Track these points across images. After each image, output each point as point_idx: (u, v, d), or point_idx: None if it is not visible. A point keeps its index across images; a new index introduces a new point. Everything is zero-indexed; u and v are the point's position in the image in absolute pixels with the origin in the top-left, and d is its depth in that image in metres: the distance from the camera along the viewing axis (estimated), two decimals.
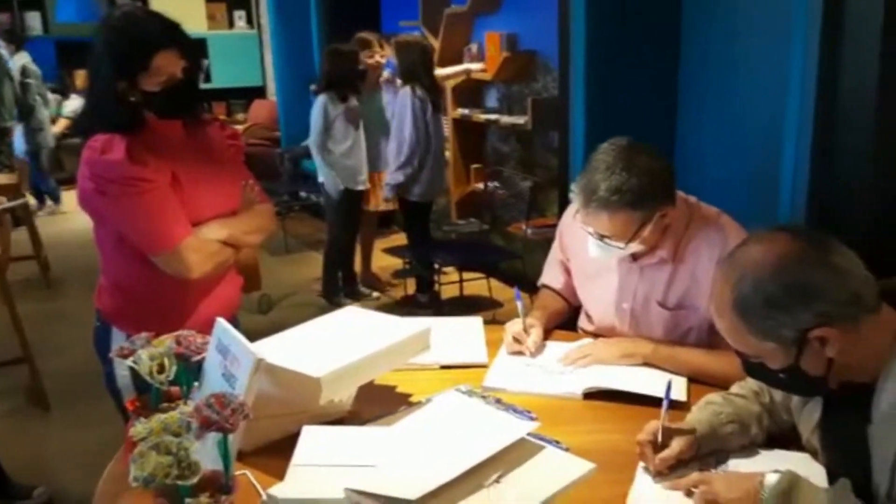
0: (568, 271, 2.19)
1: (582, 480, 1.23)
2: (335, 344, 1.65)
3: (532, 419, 1.66)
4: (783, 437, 1.54)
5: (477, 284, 5.03)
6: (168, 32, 1.89)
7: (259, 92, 9.36)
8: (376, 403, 1.72)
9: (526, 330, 2.00)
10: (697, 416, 1.51)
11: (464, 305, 4.91)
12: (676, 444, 1.43)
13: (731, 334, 1.30)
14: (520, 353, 1.98)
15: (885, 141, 2.64)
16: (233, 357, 1.43)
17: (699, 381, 1.81)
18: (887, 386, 1.19)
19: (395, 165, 4.66)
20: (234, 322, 2.14)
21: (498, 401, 1.75)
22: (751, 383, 1.59)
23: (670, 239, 1.88)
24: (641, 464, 1.47)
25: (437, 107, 4.58)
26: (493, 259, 4.92)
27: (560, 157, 4.17)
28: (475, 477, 1.19)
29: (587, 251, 1.94)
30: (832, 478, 1.36)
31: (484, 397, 1.77)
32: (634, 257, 1.94)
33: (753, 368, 1.33)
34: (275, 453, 1.51)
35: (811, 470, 1.40)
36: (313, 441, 1.38)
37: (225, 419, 1.22)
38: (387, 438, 1.40)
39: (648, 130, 3.57)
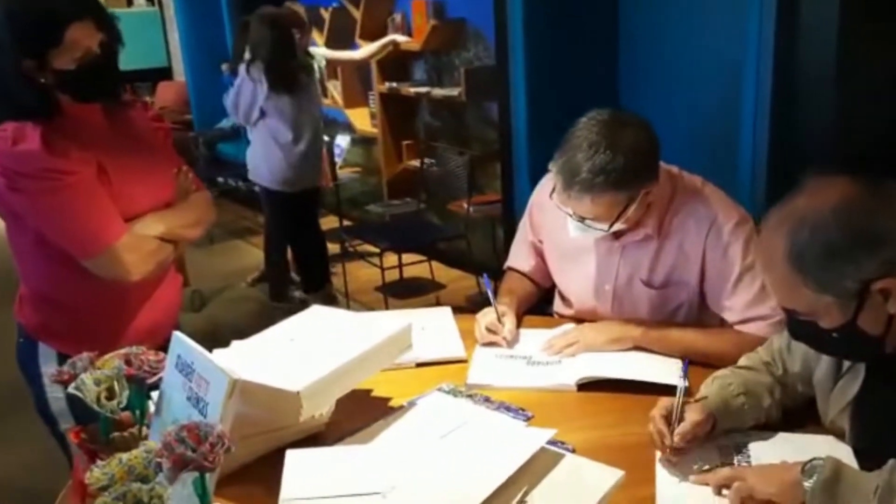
0: (539, 253, 2.08)
1: (613, 491, 1.12)
2: (309, 351, 1.49)
3: (528, 417, 1.56)
4: (798, 415, 1.48)
5: (418, 267, 4.90)
6: (80, 1, 1.67)
7: (164, 73, 8.92)
8: (353, 412, 1.57)
9: (500, 319, 1.88)
10: (705, 391, 1.44)
11: (404, 289, 4.78)
12: (691, 416, 1.36)
13: (783, 288, 1.22)
14: (494, 343, 1.86)
15: (845, 87, 2.65)
16: (199, 377, 1.26)
17: (694, 363, 1.73)
18: None
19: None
20: (176, 327, 1.95)
21: (487, 399, 1.63)
22: (760, 354, 1.53)
23: (654, 214, 1.79)
24: (659, 459, 1.38)
25: (288, 88, 4.15)
26: (432, 240, 4.79)
27: (500, 129, 4.07)
28: (498, 498, 1.07)
29: (564, 231, 1.84)
30: (862, 460, 1.30)
31: (471, 396, 1.65)
32: (616, 235, 1.85)
33: (801, 328, 1.25)
34: (252, 480, 1.35)
35: (837, 451, 1.33)
36: (300, 468, 1.23)
37: (203, 456, 1.05)
38: (385, 458, 1.26)
39: (591, 95, 3.51)
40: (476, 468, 1.15)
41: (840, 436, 1.39)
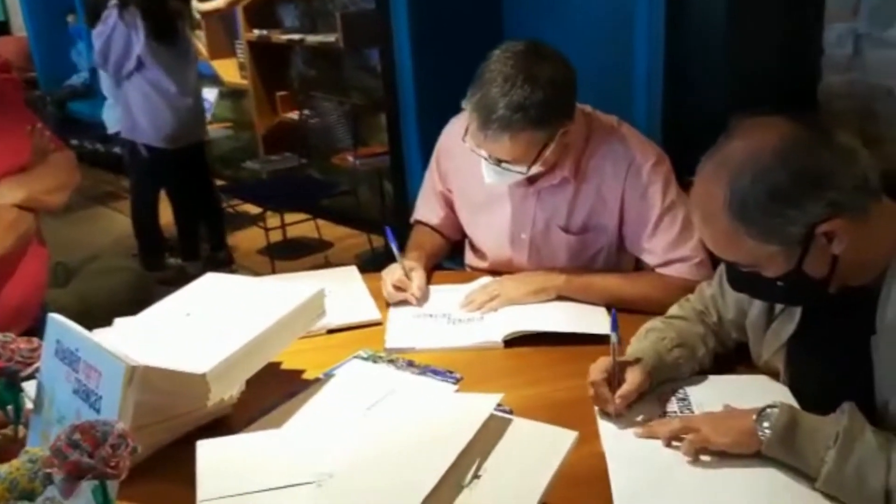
0: (448, 203, 1.98)
1: (569, 454, 1.05)
2: (210, 326, 1.33)
3: (457, 379, 1.46)
4: (728, 358, 1.47)
5: (303, 227, 4.70)
6: None
7: (2, 28, 8.11)
8: (263, 390, 1.42)
9: (407, 275, 1.77)
10: (640, 346, 1.39)
11: (290, 250, 4.58)
12: (632, 376, 1.30)
13: (723, 241, 1.15)
14: (404, 302, 1.75)
15: (736, 27, 2.66)
16: (86, 366, 1.08)
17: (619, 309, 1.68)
18: (892, 296, 1.11)
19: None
20: (43, 306, 1.74)
21: (410, 363, 1.52)
22: (692, 303, 1.49)
23: (571, 156, 1.72)
24: (598, 413, 1.32)
25: (168, 35, 3.88)
26: (317, 196, 4.58)
27: (384, 76, 3.90)
28: (450, 477, 0.97)
29: (475, 178, 1.74)
30: (799, 399, 1.29)
31: (392, 361, 1.53)
32: (531, 181, 1.76)
33: (743, 280, 1.20)
34: (156, 476, 1.19)
35: (774, 391, 1.33)
36: (215, 461, 1.08)
37: (104, 461, 0.89)
38: (312, 440, 1.13)
39: (481, 39, 3.40)
40: (421, 444, 1.04)
41: (774, 376, 1.38)
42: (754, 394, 1.32)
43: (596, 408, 1.33)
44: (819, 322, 1.24)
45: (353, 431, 1.12)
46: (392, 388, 1.40)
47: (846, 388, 1.19)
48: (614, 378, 1.30)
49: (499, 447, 1.06)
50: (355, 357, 1.55)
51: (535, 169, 1.66)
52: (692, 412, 1.32)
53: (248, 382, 1.38)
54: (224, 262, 4.43)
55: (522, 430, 1.10)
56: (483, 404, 1.10)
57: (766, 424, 1.13)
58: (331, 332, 1.67)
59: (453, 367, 1.50)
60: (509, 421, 1.12)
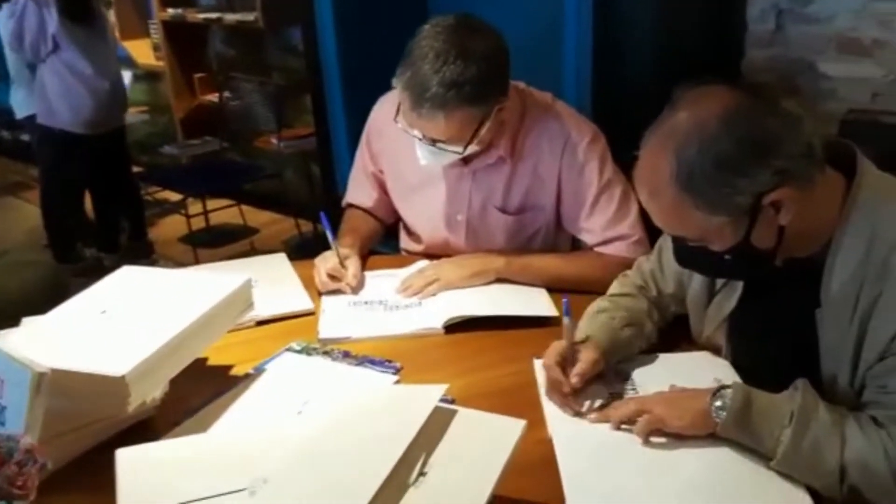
0: (381, 185, 1.91)
1: (518, 445, 1.00)
2: (129, 324, 1.23)
3: (396, 369, 1.41)
4: (670, 334, 1.45)
5: (227, 213, 4.54)
6: None
7: None
8: (188, 389, 1.33)
9: (342, 263, 1.70)
10: (591, 327, 1.35)
11: (214, 238, 4.42)
12: (586, 355, 1.27)
13: (670, 215, 1.12)
14: (338, 291, 1.68)
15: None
16: None
17: (558, 289, 1.65)
18: (839, 261, 1.10)
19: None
20: None
21: (346, 354, 1.46)
22: (632, 278, 1.46)
23: (507, 134, 1.67)
24: (544, 398, 1.28)
25: (82, 14, 3.69)
26: (240, 181, 4.43)
27: (307, 56, 3.78)
28: (394, 476, 0.91)
29: (408, 158, 1.67)
30: (742, 375, 1.28)
31: (327, 353, 1.46)
32: (466, 161, 1.71)
33: (690, 256, 1.18)
34: (73, 489, 1.10)
35: (717, 367, 1.32)
36: (137, 471, 0.99)
37: (9, 480, 0.80)
38: (243, 443, 1.05)
39: (408, 15, 3.32)
40: (362, 442, 0.98)
41: (716, 351, 1.37)
42: (698, 371, 1.31)
43: (542, 393, 1.30)
44: (761, 296, 1.23)
45: (288, 431, 1.05)
46: (328, 381, 1.33)
47: (790, 363, 1.18)
48: (568, 362, 1.26)
49: (444, 441, 1.01)
50: (287, 350, 1.48)
51: (471, 148, 1.61)
52: (637, 392, 1.30)
53: (172, 382, 1.29)
54: (144, 252, 4.25)
55: (469, 421, 1.05)
56: (426, 397, 1.04)
57: (720, 405, 1.11)
58: (260, 323, 1.58)
59: (392, 356, 1.44)
60: (454, 413, 1.06)
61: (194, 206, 4.22)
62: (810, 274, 1.13)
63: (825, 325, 1.13)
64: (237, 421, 1.23)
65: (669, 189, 1.08)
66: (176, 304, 1.28)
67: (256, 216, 4.72)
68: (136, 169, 4.84)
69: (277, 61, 4.56)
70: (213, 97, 4.68)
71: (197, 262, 4.03)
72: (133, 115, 5.33)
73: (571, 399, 1.24)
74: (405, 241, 1.95)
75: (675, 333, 1.45)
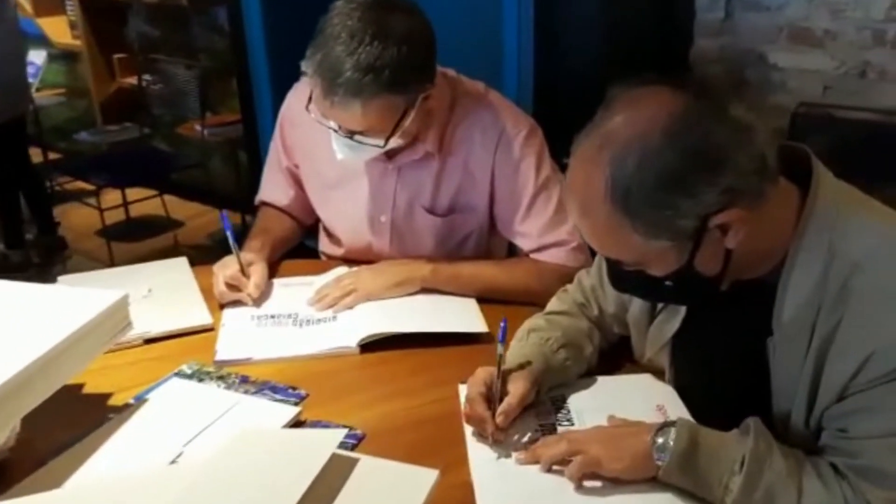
0: (297, 181, 1.73)
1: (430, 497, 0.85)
2: None
3: (300, 398, 1.24)
4: (612, 354, 1.31)
5: (149, 204, 4.28)
6: None
7: None
8: (53, 424, 1.14)
9: (244, 270, 1.51)
10: (522, 350, 1.20)
11: (134, 231, 4.16)
12: (516, 387, 1.11)
13: (605, 237, 0.97)
14: (239, 302, 1.50)
15: None
16: None
17: (490, 300, 1.50)
18: (792, 283, 0.96)
19: None
20: None
21: (245, 380, 1.28)
22: (572, 294, 1.32)
23: (434, 126, 1.51)
24: (469, 432, 1.12)
25: None
26: (162, 170, 4.17)
27: (232, 36, 3.57)
28: None
29: (326, 152, 1.50)
30: (685, 399, 1.16)
31: (222, 378, 1.29)
32: (389, 156, 1.54)
33: (626, 280, 1.03)
34: None
35: (659, 393, 1.20)
36: None
37: None
38: (111, 493, 0.87)
39: None
40: (246, 499, 0.81)
41: (658, 373, 1.23)
42: (639, 397, 1.19)
43: (467, 428, 1.14)
44: (707, 319, 1.09)
45: (156, 490, 0.88)
46: (216, 415, 1.16)
47: (739, 394, 1.06)
48: (496, 395, 1.11)
49: (342, 496, 0.84)
50: (176, 374, 1.29)
51: (394, 142, 1.44)
52: (572, 423, 1.15)
53: (32, 416, 1.09)
54: (55, 246, 3.97)
55: (372, 471, 0.89)
56: (322, 443, 0.88)
57: (662, 444, 0.98)
58: (149, 341, 1.40)
59: (298, 381, 1.27)
60: (355, 462, 0.90)
61: (113, 197, 3.96)
62: (761, 296, 0.99)
63: (777, 357, 0.99)
64: (100, 471, 1.04)
65: (603, 208, 0.93)
66: (34, 325, 1.09)
67: (180, 208, 4.47)
68: (52, 156, 4.55)
69: (202, 42, 4.32)
70: (134, 80, 4.41)
71: (111, 257, 3.78)
72: (49, 98, 5.02)
73: (497, 434, 1.09)
74: (325, 244, 1.78)
75: (617, 351, 1.31)
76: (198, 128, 3.94)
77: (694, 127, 0.89)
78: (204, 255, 1.52)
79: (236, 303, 1.49)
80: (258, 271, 1.52)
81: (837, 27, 2.66)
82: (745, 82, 2.95)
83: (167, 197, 4.31)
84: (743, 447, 0.94)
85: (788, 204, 0.98)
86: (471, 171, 1.54)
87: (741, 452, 0.94)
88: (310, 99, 1.41)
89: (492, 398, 1.10)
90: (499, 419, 1.08)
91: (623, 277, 1.03)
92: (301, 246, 1.83)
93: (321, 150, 1.54)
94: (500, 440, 1.09)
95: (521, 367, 1.15)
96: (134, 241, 4.11)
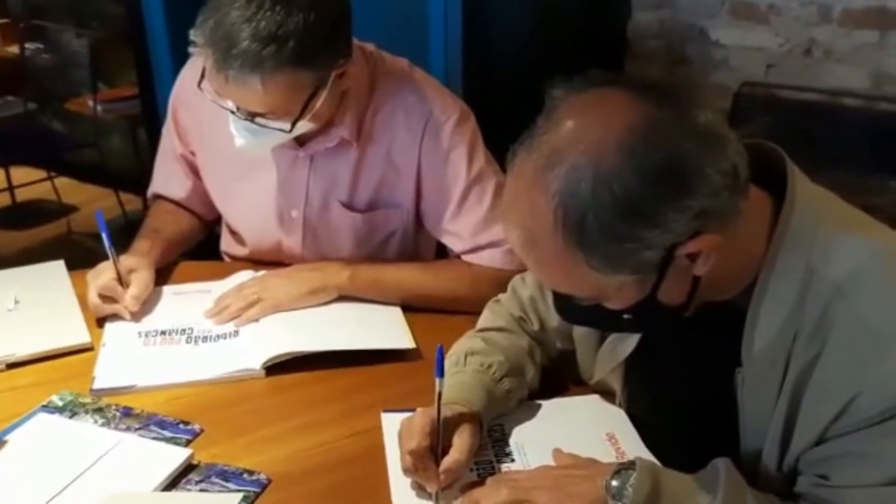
0: (195, 170, 1.55)
1: None
2: None
3: (194, 434, 1.09)
4: (555, 373, 1.19)
5: (39, 188, 4.00)
6: None
7: None
8: None
9: (122, 278, 1.34)
10: (463, 384, 1.07)
11: (23, 217, 3.87)
12: (462, 441, 0.98)
13: (555, 272, 0.84)
14: (116, 317, 1.33)
15: None
16: None
17: (418, 308, 1.37)
18: (764, 309, 0.85)
19: None
20: None
21: (127, 412, 1.12)
22: (508, 307, 1.19)
23: (351, 109, 1.36)
24: (393, 475, 1.00)
25: None
26: (50, 150, 3.89)
27: (127, 1, 3.31)
28: None
29: (226, 138, 1.33)
30: (639, 426, 1.06)
31: (99, 411, 1.12)
32: (300, 142, 1.39)
33: (578, 313, 0.91)
34: None
35: (610, 418, 1.10)
36: None
37: None
38: None
39: None
40: None
41: (608, 395, 1.13)
42: (586, 424, 1.09)
43: (390, 467, 1.01)
44: (666, 343, 0.98)
45: None
46: (87, 463, 0.99)
47: (700, 428, 0.96)
48: (438, 443, 0.97)
49: None
50: (44, 408, 1.12)
51: (303, 126, 1.29)
52: (513, 461, 1.04)
53: None
54: None
55: None
56: None
57: (618, 489, 0.86)
58: (13, 366, 1.22)
59: (191, 413, 1.12)
60: None
61: None
62: (730, 321, 0.89)
63: (746, 391, 0.89)
64: None
65: (552, 241, 0.80)
66: None
67: (74, 192, 4.18)
68: None
69: (95, 6, 4.04)
70: (15, 48, 4.10)
71: None
72: None
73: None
74: (227, 243, 1.61)
75: (561, 367, 1.20)
76: (90, 103, 3.68)
77: (658, 143, 0.76)
78: (102, 244, 1.34)
79: (114, 317, 1.32)
80: (140, 280, 1.35)
81: (782, 2, 2.60)
82: (685, 59, 2.88)
83: (59, 180, 4.03)
84: (711, 494, 0.84)
85: (760, 216, 0.87)
86: (394, 162, 1.40)
87: (710, 501, 0.83)
88: (202, 74, 1.25)
89: (435, 447, 0.97)
90: (442, 477, 0.95)
91: (573, 310, 0.90)
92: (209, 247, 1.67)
93: (221, 135, 1.37)
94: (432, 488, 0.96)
95: (465, 412, 1.01)
96: (21, 228, 3.82)
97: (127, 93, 3.67)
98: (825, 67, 2.55)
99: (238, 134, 1.30)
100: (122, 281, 1.33)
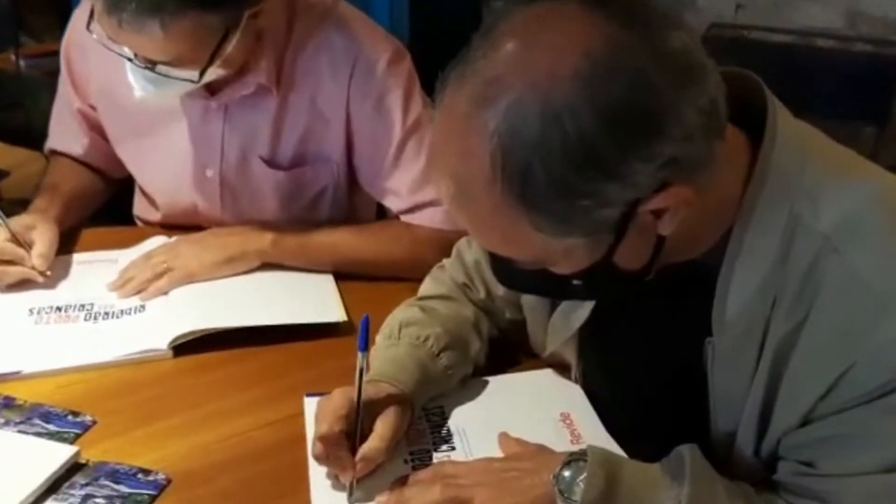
0: (94, 125, 1.40)
1: None
2: None
3: (85, 427, 0.96)
4: (505, 346, 1.08)
5: None
6: None
7: None
8: None
9: (18, 238, 1.20)
10: (394, 358, 0.95)
11: None
12: (385, 425, 0.86)
13: (491, 232, 0.72)
14: (21, 286, 1.20)
15: None
16: None
17: (351, 276, 1.25)
18: (739, 268, 0.74)
19: None
20: None
21: (9, 402, 0.99)
22: (451, 273, 1.08)
23: (268, 52, 1.22)
24: (314, 469, 0.88)
25: None
26: None
27: None
28: None
29: (128, 88, 1.18)
30: (596, 403, 0.96)
31: None
32: (212, 90, 1.25)
33: (517, 278, 0.79)
34: None
35: (563, 395, 0.99)
36: None
37: None
38: None
39: None
40: None
41: (562, 368, 1.02)
42: (538, 404, 0.99)
43: (311, 460, 0.89)
44: (624, 310, 0.86)
45: None
46: None
47: (664, 408, 0.85)
48: (357, 428, 0.85)
49: None
50: None
51: (213, 73, 1.15)
52: (453, 448, 0.93)
53: None
54: None
55: None
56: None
57: (568, 482, 0.76)
58: None
59: (84, 402, 0.99)
60: None
61: None
62: (698, 283, 0.77)
63: (718, 364, 0.78)
64: None
65: (488, 195, 0.66)
66: None
67: (7, 154, 3.98)
68: None
69: None
70: None
71: None
72: None
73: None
74: (139, 207, 1.47)
75: (509, 341, 1.09)
76: (13, 58, 3.47)
77: (623, 72, 0.62)
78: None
79: (14, 288, 1.18)
80: (43, 236, 1.21)
81: None
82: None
83: None
84: (676, 489, 0.73)
85: (735, 159, 0.74)
86: (320, 111, 1.26)
87: (674, 496, 0.73)
88: (91, 14, 1.09)
89: (351, 432, 0.85)
90: (359, 465, 0.83)
91: (512, 275, 0.78)
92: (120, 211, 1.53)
93: (122, 84, 1.22)
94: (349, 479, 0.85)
95: (392, 392, 0.90)
96: None
97: (54, 48, 3.47)
98: (797, 6, 2.44)
99: (137, 84, 1.15)
100: (18, 241, 1.19)
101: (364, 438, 0.85)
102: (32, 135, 3.79)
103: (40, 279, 1.20)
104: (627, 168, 0.64)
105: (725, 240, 0.75)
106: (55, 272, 1.23)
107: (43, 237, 1.22)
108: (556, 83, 0.62)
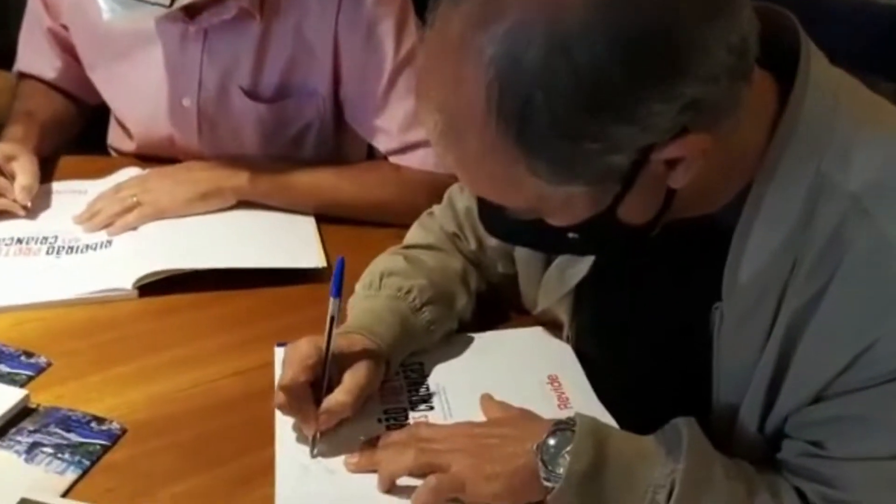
0: (67, 47, 1.32)
1: None
2: None
3: (38, 370, 0.90)
4: (494, 302, 1.02)
5: None
6: None
7: None
8: None
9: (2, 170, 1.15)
10: (371, 309, 0.89)
11: None
12: (354, 377, 0.80)
13: (483, 176, 0.64)
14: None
15: None
16: None
17: (334, 219, 1.18)
18: (757, 229, 0.67)
19: None
20: None
21: None
22: (440, 221, 1.01)
23: None
24: (280, 424, 0.82)
25: None
26: None
27: None
28: None
29: (96, 9, 1.10)
30: (589, 366, 0.90)
31: None
32: (190, 13, 1.16)
33: (505, 227, 0.72)
34: None
35: (554, 356, 0.93)
36: None
37: None
38: None
39: None
40: None
41: (554, 327, 0.96)
42: (526, 363, 0.94)
43: (277, 413, 0.83)
44: (625, 268, 0.80)
45: None
46: None
47: (663, 376, 0.79)
48: (324, 379, 0.79)
49: None
50: None
51: None
52: (431, 408, 0.87)
53: None
54: None
55: None
56: None
57: (553, 453, 0.70)
58: None
59: (40, 342, 0.94)
60: None
61: None
62: (709, 243, 0.70)
63: (725, 332, 0.71)
64: None
65: (482, 133, 0.59)
66: None
67: None
68: None
69: None
70: None
71: None
72: None
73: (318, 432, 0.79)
74: (114, 136, 1.40)
75: (500, 296, 1.02)
76: None
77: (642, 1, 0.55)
78: None
79: None
80: (25, 168, 1.16)
81: None
82: None
83: None
84: (672, 464, 0.67)
85: (760, 106, 0.66)
86: (306, 39, 1.19)
87: (669, 471, 0.67)
88: None
89: (318, 382, 0.79)
90: (322, 417, 0.77)
91: (503, 224, 0.71)
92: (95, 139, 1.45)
93: (91, 4, 1.14)
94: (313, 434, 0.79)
95: (367, 345, 0.83)
96: None
97: None
98: None
99: (105, 5, 1.07)
100: (2, 172, 1.14)
101: (331, 391, 0.79)
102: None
103: (22, 212, 1.15)
104: (644, 109, 0.56)
105: (743, 197, 0.67)
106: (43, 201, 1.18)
107: (24, 169, 1.17)
108: (566, 4, 0.54)
